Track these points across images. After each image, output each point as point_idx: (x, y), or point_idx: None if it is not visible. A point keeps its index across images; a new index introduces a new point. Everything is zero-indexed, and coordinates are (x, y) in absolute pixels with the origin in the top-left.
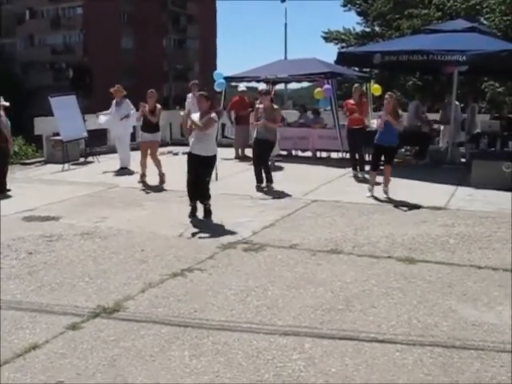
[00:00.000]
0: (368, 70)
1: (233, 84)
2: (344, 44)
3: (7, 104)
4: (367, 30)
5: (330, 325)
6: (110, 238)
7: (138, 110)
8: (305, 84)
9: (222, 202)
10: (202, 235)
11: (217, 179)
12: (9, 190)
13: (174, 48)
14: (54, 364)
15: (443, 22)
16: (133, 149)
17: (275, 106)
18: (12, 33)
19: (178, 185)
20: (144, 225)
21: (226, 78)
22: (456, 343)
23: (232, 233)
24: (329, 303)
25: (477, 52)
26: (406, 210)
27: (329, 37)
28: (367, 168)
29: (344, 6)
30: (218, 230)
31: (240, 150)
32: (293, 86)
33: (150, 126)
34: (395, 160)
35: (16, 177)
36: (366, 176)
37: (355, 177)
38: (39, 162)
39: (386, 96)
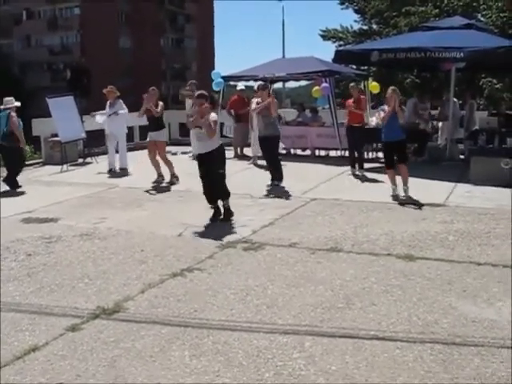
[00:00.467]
0: (366, 67)
1: (231, 83)
2: (342, 42)
3: (19, 104)
4: (365, 27)
5: (330, 323)
6: (110, 239)
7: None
8: (303, 82)
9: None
10: (202, 235)
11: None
12: (20, 187)
13: (172, 47)
14: (53, 366)
15: (440, 19)
16: (131, 149)
17: (274, 101)
18: (9, 33)
19: (177, 185)
20: (143, 225)
21: (224, 78)
22: (456, 340)
23: (231, 232)
24: (329, 301)
25: (474, 49)
26: (407, 208)
27: (326, 35)
28: (366, 166)
29: (341, 4)
30: (218, 230)
31: (239, 149)
32: (291, 84)
33: (153, 124)
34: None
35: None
36: (365, 174)
37: (354, 175)
38: (37, 163)
39: (389, 90)
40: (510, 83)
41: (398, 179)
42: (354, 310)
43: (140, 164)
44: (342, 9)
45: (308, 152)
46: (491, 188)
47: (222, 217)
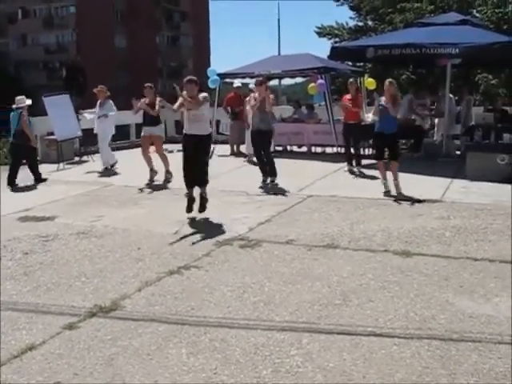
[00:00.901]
0: (361, 64)
1: (227, 80)
2: (337, 39)
3: (30, 103)
4: (360, 24)
5: (327, 320)
6: (106, 237)
7: (131, 107)
8: (299, 79)
9: (218, 199)
10: (199, 232)
11: (211, 157)
12: (45, 180)
13: (168, 45)
14: (51, 365)
15: (436, 16)
16: (126, 147)
17: (271, 95)
18: (4, 32)
19: (174, 182)
20: (140, 223)
21: (219, 75)
22: (453, 336)
23: (228, 229)
24: (326, 298)
25: (469, 45)
26: (404, 205)
27: (322, 32)
28: (363, 162)
29: (337, 0)
30: (214, 227)
31: (235, 147)
32: (287, 81)
33: (151, 120)
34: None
35: None
36: (362, 170)
37: (350, 171)
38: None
39: (386, 82)
40: (506, 79)
41: (389, 174)
42: (351, 307)
43: (136, 162)
44: (338, 5)
45: (304, 149)
46: (487, 184)
47: (198, 207)
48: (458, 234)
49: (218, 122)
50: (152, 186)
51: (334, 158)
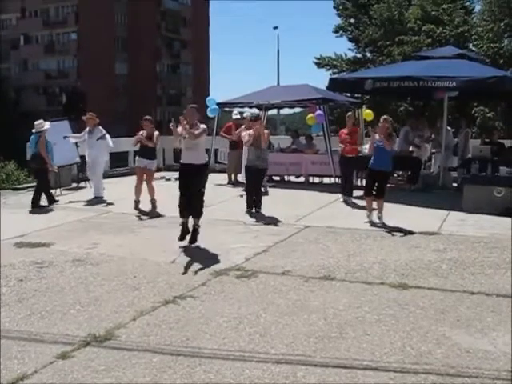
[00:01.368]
0: (360, 95)
1: (226, 109)
2: (336, 70)
3: (49, 127)
4: (359, 56)
5: (323, 353)
6: (102, 265)
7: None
8: (297, 109)
9: (215, 228)
10: (195, 262)
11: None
12: (57, 201)
13: (168, 73)
14: None
15: (433, 49)
16: (125, 174)
17: (265, 131)
18: (6, 58)
19: (170, 211)
20: (136, 251)
21: (218, 104)
22: (450, 371)
23: (224, 259)
24: (322, 330)
25: (466, 78)
26: (400, 236)
27: (321, 63)
28: (355, 193)
29: (336, 32)
30: (211, 257)
31: (233, 176)
32: (285, 111)
33: (147, 152)
34: (388, 185)
35: (8, 202)
36: (354, 201)
37: (345, 202)
38: (31, 187)
39: (381, 119)
40: (502, 112)
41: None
42: (347, 340)
43: (133, 189)
44: (337, 37)
45: (302, 179)
46: (484, 216)
47: (189, 238)
48: (454, 266)
49: (216, 151)
50: (149, 214)
51: (331, 188)
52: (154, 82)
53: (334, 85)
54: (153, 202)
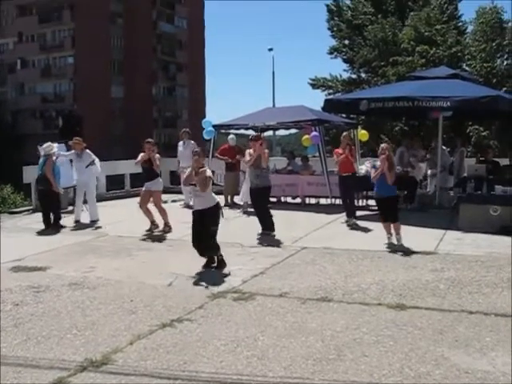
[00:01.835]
0: (355, 116)
1: (222, 131)
2: (331, 90)
3: (57, 150)
4: (353, 76)
5: (321, 375)
6: (99, 289)
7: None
8: (293, 130)
9: None
10: (192, 285)
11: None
12: (64, 227)
13: (164, 95)
14: None
15: (427, 69)
16: (121, 197)
17: (266, 151)
18: (3, 82)
19: (168, 233)
20: (133, 274)
21: (214, 126)
22: None
23: (222, 281)
24: (320, 352)
25: (460, 98)
26: (395, 257)
27: (316, 83)
28: (358, 213)
29: (330, 53)
30: (208, 279)
31: (229, 197)
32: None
33: (149, 174)
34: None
35: (5, 226)
36: (356, 222)
37: (348, 224)
38: (27, 210)
39: (383, 146)
40: (496, 131)
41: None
42: (345, 362)
43: (130, 212)
44: (332, 58)
45: (298, 200)
46: (480, 235)
47: (215, 265)
48: (452, 286)
49: (212, 173)
50: (150, 236)
51: (328, 209)
52: (150, 104)
53: (329, 106)
54: (167, 228)
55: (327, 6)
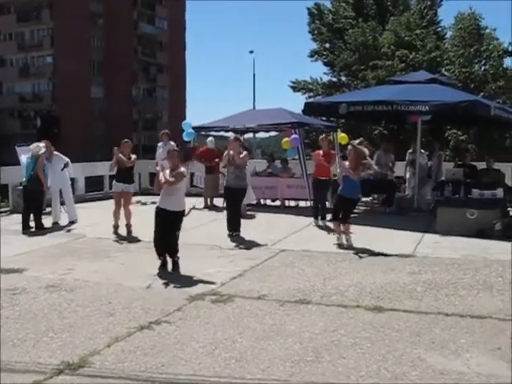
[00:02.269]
0: (335, 119)
1: (202, 133)
2: (311, 93)
3: (45, 150)
4: (334, 80)
5: (299, 377)
6: (77, 291)
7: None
8: (273, 133)
9: (191, 253)
10: (170, 287)
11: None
12: (46, 229)
13: (144, 97)
14: None
15: (406, 73)
16: (100, 198)
17: (243, 153)
18: None
19: (146, 235)
20: (111, 276)
21: (194, 128)
22: None
23: (200, 284)
24: (298, 354)
25: (438, 102)
26: (374, 259)
27: (296, 86)
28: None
29: (311, 56)
30: (186, 282)
31: (209, 200)
32: (261, 135)
33: (124, 176)
34: (363, 208)
35: None
36: (328, 224)
37: (317, 226)
38: (5, 211)
39: (349, 147)
40: (474, 135)
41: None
42: (323, 364)
43: (109, 214)
44: (312, 61)
45: (278, 202)
46: (458, 238)
47: (171, 267)
48: (429, 289)
49: (192, 175)
50: (125, 239)
51: (307, 212)
52: (130, 106)
53: (308, 109)
54: (128, 226)
55: (308, 9)
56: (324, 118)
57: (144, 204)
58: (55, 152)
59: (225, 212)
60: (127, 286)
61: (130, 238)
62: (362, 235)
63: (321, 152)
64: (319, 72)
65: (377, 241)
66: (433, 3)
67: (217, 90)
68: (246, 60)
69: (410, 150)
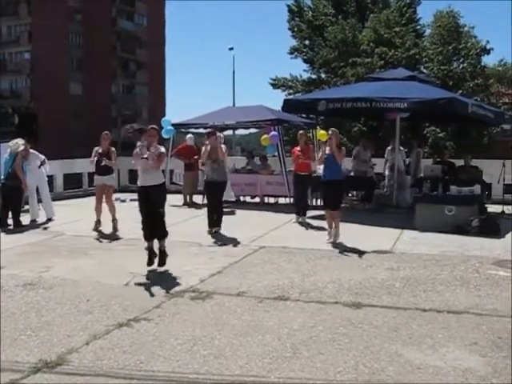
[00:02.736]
0: (314, 116)
1: (182, 130)
2: (291, 90)
3: (23, 147)
4: (313, 77)
5: (277, 373)
6: (55, 289)
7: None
8: (253, 130)
9: (170, 250)
10: (149, 284)
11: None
12: (24, 226)
13: (123, 94)
14: None
15: (385, 71)
16: (79, 196)
17: (222, 146)
18: None
19: (126, 232)
20: (90, 274)
21: (174, 125)
22: None
23: (179, 281)
24: (276, 351)
25: (417, 99)
26: (354, 256)
27: (276, 83)
28: (314, 213)
29: (291, 53)
30: (166, 279)
31: (188, 197)
32: (241, 132)
33: (103, 168)
34: (342, 205)
35: None
36: (307, 220)
37: (298, 223)
38: None
39: (329, 132)
40: (453, 132)
41: None
42: (301, 360)
43: (87, 211)
44: (292, 58)
45: (257, 199)
46: (436, 234)
47: (157, 261)
48: (407, 284)
49: (171, 172)
50: (104, 236)
51: (286, 208)
52: (109, 102)
53: (288, 106)
54: (114, 222)
55: (288, 6)
56: (304, 115)
57: (123, 201)
58: (31, 150)
59: (204, 209)
60: (106, 284)
61: (113, 235)
62: (341, 232)
63: (298, 148)
64: (299, 69)
65: (355, 237)
66: (412, 1)
67: (196, 86)
68: (226, 57)
69: (389, 147)
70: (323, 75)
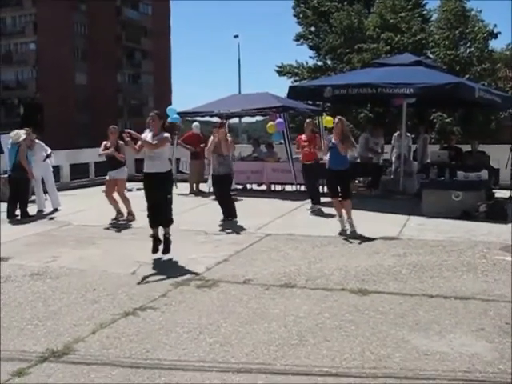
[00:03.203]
0: (320, 103)
1: (188, 119)
2: (297, 78)
3: (25, 136)
4: (319, 63)
5: (283, 360)
6: (62, 278)
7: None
8: (259, 117)
9: (176, 238)
10: (155, 273)
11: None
12: (31, 216)
13: (129, 83)
14: None
15: (391, 56)
16: (86, 186)
17: (229, 138)
18: None
19: (133, 222)
20: (97, 263)
21: (179, 113)
22: (408, 374)
23: (185, 269)
24: (282, 338)
25: (423, 85)
26: (361, 242)
27: (282, 71)
28: (322, 200)
29: (296, 40)
30: (172, 267)
31: (195, 185)
32: (247, 119)
33: (114, 162)
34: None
35: None
36: (320, 208)
37: (311, 210)
38: None
39: (335, 120)
40: (460, 118)
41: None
42: (307, 347)
43: (94, 201)
44: (298, 45)
45: (263, 187)
46: (443, 220)
47: (162, 248)
48: (414, 271)
49: (178, 161)
50: (114, 225)
51: (292, 196)
52: (115, 92)
53: (293, 93)
54: (129, 215)
55: None
56: (310, 102)
57: (130, 190)
58: (37, 141)
59: (210, 197)
60: (112, 273)
61: (125, 225)
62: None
63: (303, 137)
64: (305, 56)
65: (362, 224)
66: None
67: (202, 75)
68: (232, 44)
69: (395, 134)
70: (329, 62)
